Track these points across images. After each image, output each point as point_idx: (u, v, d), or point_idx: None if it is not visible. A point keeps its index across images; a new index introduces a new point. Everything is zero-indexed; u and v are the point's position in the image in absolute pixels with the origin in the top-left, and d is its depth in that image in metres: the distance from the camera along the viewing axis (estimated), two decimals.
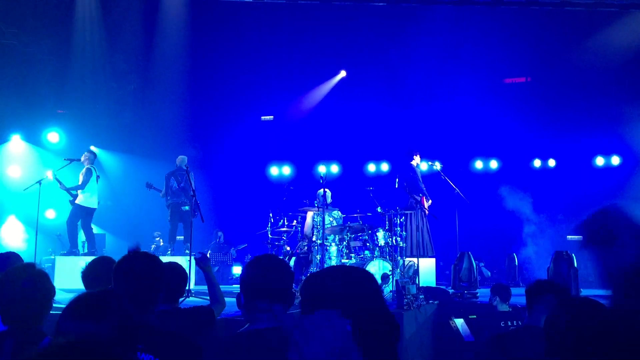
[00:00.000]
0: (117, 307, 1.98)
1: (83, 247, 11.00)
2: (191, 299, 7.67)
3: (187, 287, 7.86)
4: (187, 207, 10.80)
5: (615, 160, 14.63)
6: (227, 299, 4.38)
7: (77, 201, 10.55)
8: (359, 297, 1.50)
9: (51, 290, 2.98)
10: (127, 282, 2.70)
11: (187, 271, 8.38)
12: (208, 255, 4.83)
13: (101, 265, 3.70)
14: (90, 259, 3.96)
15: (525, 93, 14.52)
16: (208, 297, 4.26)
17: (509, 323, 6.33)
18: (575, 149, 14.45)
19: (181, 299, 4.06)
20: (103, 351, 1.15)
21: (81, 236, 11.15)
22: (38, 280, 2.90)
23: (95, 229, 10.97)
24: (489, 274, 12.72)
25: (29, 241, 12.64)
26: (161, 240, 13.55)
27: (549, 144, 14.64)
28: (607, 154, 14.66)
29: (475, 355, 3.02)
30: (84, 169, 10.68)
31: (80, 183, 10.57)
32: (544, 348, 2.33)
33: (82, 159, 10.79)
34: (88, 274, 3.67)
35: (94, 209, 10.75)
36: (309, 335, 1.40)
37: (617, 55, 13.00)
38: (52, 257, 11.21)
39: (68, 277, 8.56)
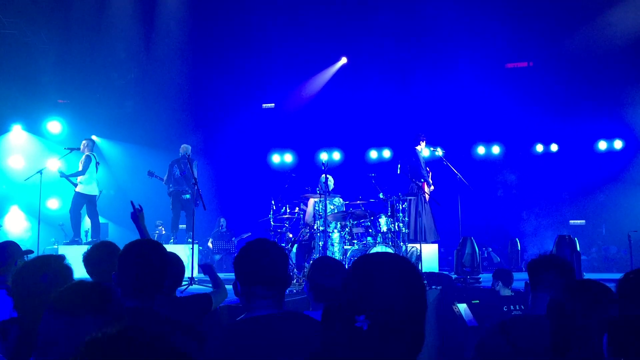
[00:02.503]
0: (106, 298, 1.96)
1: (86, 235, 11.01)
2: (194, 287, 7.68)
3: (190, 275, 7.90)
4: (187, 196, 10.79)
5: (618, 144, 14.57)
6: (228, 286, 4.37)
7: (77, 189, 10.55)
8: (399, 300, 1.41)
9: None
10: (133, 269, 2.69)
11: (190, 259, 8.43)
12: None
13: (103, 249, 3.71)
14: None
15: (527, 78, 14.44)
16: (210, 285, 4.25)
17: (512, 307, 6.34)
18: (577, 134, 14.39)
19: (182, 288, 4.06)
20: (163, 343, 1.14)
21: (84, 225, 11.16)
22: (59, 275, 2.88)
23: (99, 219, 10.98)
24: (498, 259, 12.73)
25: (32, 231, 12.68)
26: (163, 229, 13.56)
27: (551, 128, 14.58)
28: (609, 138, 14.60)
29: (479, 342, 2.98)
30: (83, 157, 10.67)
31: (80, 169, 10.56)
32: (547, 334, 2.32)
33: (82, 147, 10.78)
34: (90, 258, 3.68)
35: (94, 196, 10.74)
36: None
37: (620, 39, 12.91)
38: (55, 246, 11.23)
39: (72, 267, 8.55)
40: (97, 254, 3.70)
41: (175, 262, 3.89)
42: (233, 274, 2.47)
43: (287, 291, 2.73)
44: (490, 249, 12.78)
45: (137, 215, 4.28)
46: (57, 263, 2.98)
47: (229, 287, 4.39)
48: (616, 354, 1.72)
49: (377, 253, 1.63)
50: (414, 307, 1.43)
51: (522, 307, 6.18)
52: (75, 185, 10.59)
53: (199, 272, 8.72)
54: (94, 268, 3.66)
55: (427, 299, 1.48)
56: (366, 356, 1.36)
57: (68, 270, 3.02)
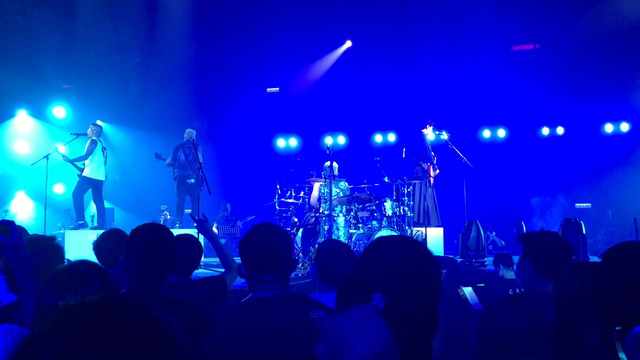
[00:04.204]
0: (101, 276, 1.97)
1: (92, 220, 11.05)
2: (201, 270, 7.71)
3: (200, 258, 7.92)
4: (192, 180, 10.80)
5: (625, 127, 14.50)
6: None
7: (83, 173, 10.55)
8: (414, 282, 1.42)
9: (62, 264, 2.99)
10: (140, 254, 2.69)
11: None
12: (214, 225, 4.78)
13: (113, 237, 3.73)
14: (98, 232, 3.98)
15: (534, 60, 14.34)
16: (217, 270, 4.25)
17: (517, 290, 6.34)
18: (584, 116, 14.32)
19: (193, 270, 4.07)
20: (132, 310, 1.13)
21: (90, 210, 11.19)
22: (48, 253, 2.90)
23: (104, 203, 11.01)
24: (503, 242, 12.74)
25: (38, 216, 12.74)
26: (168, 213, 13.60)
27: (558, 111, 14.51)
28: (616, 120, 14.53)
29: (488, 314, 2.99)
30: (89, 141, 10.67)
31: (84, 153, 10.56)
32: (546, 315, 2.31)
33: (89, 132, 10.78)
34: (100, 246, 3.71)
35: (101, 181, 10.72)
36: (346, 336, 1.29)
37: (627, 21, 12.79)
38: (62, 231, 11.28)
39: (78, 251, 8.62)
40: (107, 242, 3.73)
41: (192, 244, 3.90)
42: (238, 258, 2.48)
43: (293, 275, 2.74)
44: (494, 233, 12.77)
45: (203, 225, 4.36)
46: (44, 243, 2.99)
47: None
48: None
49: (393, 236, 1.64)
50: (429, 289, 1.45)
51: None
52: (81, 170, 10.59)
53: (205, 257, 8.76)
54: (104, 255, 3.70)
55: (441, 283, 1.49)
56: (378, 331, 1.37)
57: (56, 249, 3.03)
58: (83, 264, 2.09)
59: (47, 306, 1.89)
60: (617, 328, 1.81)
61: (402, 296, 1.38)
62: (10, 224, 2.48)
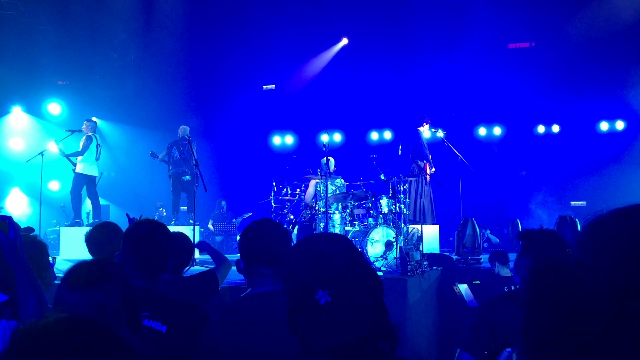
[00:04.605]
0: (116, 275, 1.97)
1: (87, 217, 11.03)
2: (195, 267, 7.70)
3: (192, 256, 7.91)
4: (188, 177, 10.78)
5: (620, 125, 14.54)
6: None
7: (77, 170, 10.54)
8: (333, 264, 1.44)
9: (47, 261, 2.97)
10: (137, 250, 2.69)
11: (192, 240, 8.44)
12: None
13: (104, 229, 3.73)
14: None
15: (530, 58, 14.36)
16: (212, 267, 4.27)
17: (513, 288, 6.36)
18: (579, 114, 14.36)
19: (186, 268, 4.08)
20: (95, 326, 1.13)
21: (86, 207, 11.17)
22: (33, 252, 2.88)
23: (99, 200, 11.00)
24: (497, 240, 12.76)
25: (33, 213, 12.71)
26: (164, 210, 13.58)
27: (553, 109, 14.54)
28: (611, 118, 14.56)
29: (484, 310, 3.00)
30: (84, 137, 10.66)
31: (80, 149, 10.55)
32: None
33: (83, 128, 10.76)
34: (92, 238, 3.70)
35: (94, 177, 10.73)
36: None
37: (622, 20, 12.82)
38: (57, 228, 11.26)
39: (73, 248, 8.61)
40: (99, 234, 3.72)
41: (183, 242, 3.91)
42: (234, 255, 2.50)
43: None
44: (489, 231, 12.79)
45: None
46: (28, 238, 2.97)
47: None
48: None
49: (313, 234, 1.69)
50: (367, 278, 1.46)
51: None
52: (74, 165, 10.57)
53: (200, 254, 8.75)
54: (95, 247, 3.69)
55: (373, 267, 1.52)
56: (336, 329, 1.38)
57: (42, 244, 3.01)
58: (102, 261, 2.09)
59: (65, 302, 1.88)
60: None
61: (343, 288, 1.40)
62: (7, 219, 2.47)
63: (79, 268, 1.98)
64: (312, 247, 1.52)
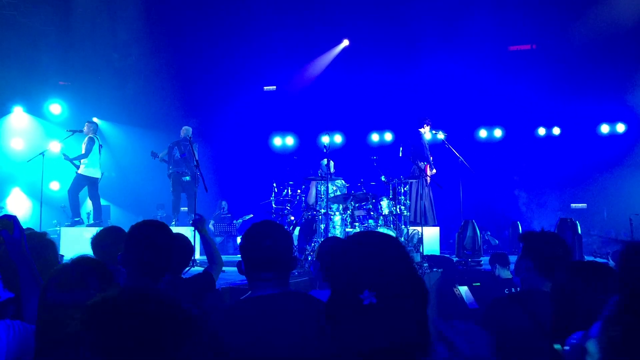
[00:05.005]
0: (100, 275, 1.97)
1: (88, 218, 11.03)
2: (196, 268, 7.71)
3: (192, 257, 7.92)
4: (187, 177, 10.78)
5: (621, 127, 14.54)
6: (229, 268, 4.41)
7: (79, 171, 10.55)
8: (384, 266, 1.42)
9: (56, 259, 2.99)
10: (140, 250, 2.70)
11: (192, 241, 8.46)
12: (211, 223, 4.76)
13: (112, 234, 3.75)
14: (94, 229, 4.00)
15: (530, 61, 14.36)
16: (206, 267, 4.28)
17: (513, 290, 6.36)
18: (580, 117, 14.35)
19: (186, 269, 4.09)
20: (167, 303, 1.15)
21: (86, 207, 11.17)
22: (42, 249, 2.90)
23: (101, 201, 11.00)
24: (496, 242, 12.76)
25: (34, 213, 12.71)
26: (164, 211, 13.59)
27: (554, 111, 14.53)
28: (612, 121, 14.56)
29: (489, 312, 3.00)
30: (86, 139, 10.67)
31: (83, 152, 10.56)
32: (546, 314, 2.32)
33: (85, 129, 10.77)
34: (98, 242, 3.72)
35: (96, 179, 10.73)
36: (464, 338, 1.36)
37: (624, 22, 12.82)
38: (57, 228, 11.25)
39: (73, 248, 8.61)
40: (105, 239, 3.75)
41: (182, 243, 3.92)
42: (233, 256, 2.50)
43: None
44: (489, 233, 12.79)
45: (200, 223, 4.43)
46: (37, 239, 2.99)
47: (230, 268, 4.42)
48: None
49: (364, 232, 1.65)
50: (416, 287, 1.44)
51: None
52: (77, 167, 10.58)
53: (200, 255, 8.76)
54: (101, 252, 3.72)
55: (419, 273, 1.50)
56: (375, 332, 1.37)
57: (51, 242, 3.04)
58: (85, 260, 2.10)
59: (51, 302, 1.89)
60: None
61: (390, 289, 1.38)
62: (12, 218, 2.49)
63: (64, 268, 1.99)
64: (365, 245, 1.49)
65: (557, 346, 2.05)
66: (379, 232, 1.56)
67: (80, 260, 2.11)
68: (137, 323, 1.10)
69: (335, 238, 3.60)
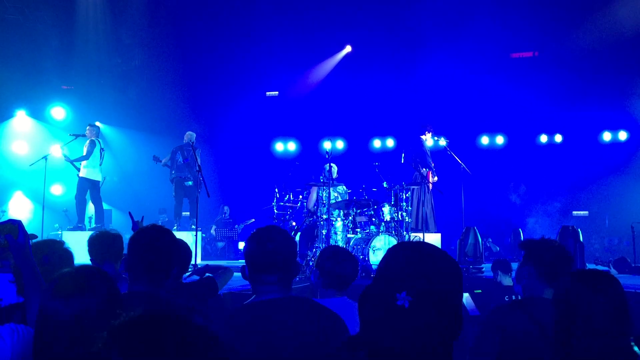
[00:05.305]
0: (99, 281, 1.97)
1: (90, 222, 11.04)
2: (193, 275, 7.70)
3: (194, 263, 7.92)
4: (190, 182, 10.80)
5: (623, 135, 14.54)
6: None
7: (80, 174, 10.56)
8: (430, 276, 1.43)
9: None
10: (142, 255, 2.70)
11: (193, 246, 8.47)
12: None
13: (105, 237, 3.80)
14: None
15: (533, 68, 14.38)
16: (211, 274, 4.28)
17: (514, 297, 6.35)
18: (582, 124, 14.37)
19: (186, 274, 4.11)
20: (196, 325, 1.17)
21: (88, 211, 11.18)
22: (59, 257, 2.91)
23: (103, 204, 11.00)
24: (497, 248, 12.75)
25: (36, 217, 12.71)
26: (166, 216, 13.60)
27: (556, 119, 14.55)
28: (614, 129, 14.56)
29: (490, 319, 3.00)
30: (87, 141, 10.68)
31: (84, 154, 10.57)
32: (548, 321, 2.33)
33: (87, 132, 10.79)
34: (92, 245, 3.76)
35: (97, 182, 10.74)
36: None
37: (626, 30, 12.83)
38: (59, 232, 11.26)
39: (75, 252, 8.59)
40: (99, 242, 3.80)
41: (183, 248, 3.93)
42: (235, 261, 2.51)
43: None
44: (490, 239, 12.79)
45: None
46: (58, 246, 3.00)
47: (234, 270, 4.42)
48: None
49: (418, 242, 1.68)
50: (452, 287, 1.46)
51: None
52: (79, 170, 10.59)
53: (201, 260, 8.77)
54: (96, 254, 3.77)
55: (462, 290, 1.51)
56: (408, 334, 1.38)
57: (68, 253, 3.06)
58: (87, 268, 2.10)
59: (50, 309, 1.89)
60: None
61: (427, 294, 1.40)
62: (17, 223, 2.49)
63: (63, 276, 1.99)
64: (408, 251, 1.51)
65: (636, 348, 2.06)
66: (426, 243, 1.59)
67: (81, 268, 2.12)
68: (167, 349, 1.11)
69: (335, 246, 3.60)
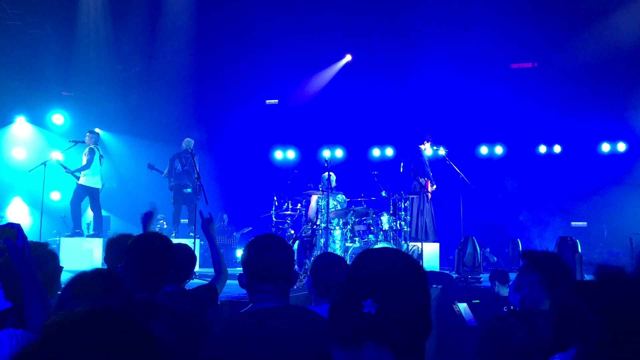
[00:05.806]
0: (116, 285, 1.97)
1: (88, 228, 11.02)
2: (195, 280, 7.69)
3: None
4: (189, 190, 10.79)
5: (621, 146, 14.56)
6: (229, 281, 4.39)
7: (79, 181, 10.54)
8: (395, 282, 1.45)
9: (57, 270, 3.00)
10: (140, 261, 2.70)
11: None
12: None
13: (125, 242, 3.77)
14: (94, 240, 4.03)
15: (532, 78, 14.42)
16: (211, 279, 4.24)
17: (512, 308, 6.34)
18: (581, 135, 14.38)
19: (187, 280, 4.08)
20: (122, 320, 1.14)
21: (86, 218, 11.16)
22: (44, 260, 2.90)
23: (102, 212, 10.99)
24: (495, 259, 12.73)
25: (34, 223, 12.69)
26: (165, 222, 13.57)
27: (555, 129, 14.56)
28: (613, 140, 14.59)
29: (489, 329, 3.00)
30: (87, 149, 10.67)
31: (84, 163, 10.56)
32: (546, 332, 2.32)
33: (86, 139, 10.78)
34: (111, 248, 3.73)
35: (97, 189, 10.72)
36: None
37: (625, 41, 12.89)
38: (57, 238, 11.24)
39: (73, 259, 8.61)
40: (118, 246, 3.76)
41: (185, 253, 3.91)
42: (232, 268, 2.50)
43: None
44: (488, 250, 12.77)
45: (208, 225, 4.25)
46: (40, 248, 3.00)
47: (231, 282, 4.41)
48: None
49: (380, 247, 1.67)
50: (418, 294, 1.47)
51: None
52: (78, 178, 10.58)
53: (200, 267, 8.75)
54: (112, 257, 3.73)
55: (429, 290, 1.52)
56: (378, 341, 1.38)
57: (53, 253, 3.05)
58: (104, 271, 2.11)
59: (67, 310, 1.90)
60: None
61: (393, 301, 1.40)
62: (16, 226, 2.49)
63: (80, 278, 1.99)
64: (370, 258, 1.52)
65: None
66: (392, 249, 1.60)
67: (97, 271, 2.12)
68: (92, 346, 1.09)
69: (329, 254, 3.59)
